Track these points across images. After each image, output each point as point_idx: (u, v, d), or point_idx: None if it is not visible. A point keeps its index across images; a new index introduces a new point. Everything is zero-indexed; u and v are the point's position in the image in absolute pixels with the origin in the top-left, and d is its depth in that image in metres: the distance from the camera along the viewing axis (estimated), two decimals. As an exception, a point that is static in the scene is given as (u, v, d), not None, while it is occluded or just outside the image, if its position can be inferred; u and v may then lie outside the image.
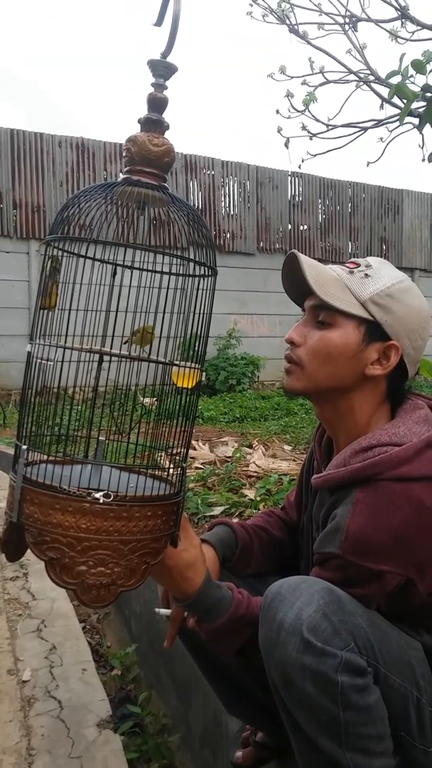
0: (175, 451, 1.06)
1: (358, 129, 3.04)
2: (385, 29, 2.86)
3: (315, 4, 2.95)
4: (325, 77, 3.05)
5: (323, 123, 3.06)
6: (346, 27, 2.95)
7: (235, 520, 1.35)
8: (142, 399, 1.25)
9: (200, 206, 10.06)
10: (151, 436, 1.14)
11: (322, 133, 3.09)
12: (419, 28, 2.77)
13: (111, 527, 0.93)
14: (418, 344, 1.15)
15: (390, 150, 3.03)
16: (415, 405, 1.16)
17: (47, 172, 9.07)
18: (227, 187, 10.52)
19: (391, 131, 2.92)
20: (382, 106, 2.89)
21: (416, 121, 2.60)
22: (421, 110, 2.53)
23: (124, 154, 1.02)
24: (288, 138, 3.15)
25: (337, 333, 1.12)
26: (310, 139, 3.12)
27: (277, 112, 3.12)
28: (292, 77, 3.09)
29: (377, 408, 1.16)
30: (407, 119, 2.56)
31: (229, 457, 3.89)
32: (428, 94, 2.44)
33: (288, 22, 3.02)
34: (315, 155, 3.23)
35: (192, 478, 3.36)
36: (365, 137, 3.05)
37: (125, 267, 1.04)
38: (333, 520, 1.06)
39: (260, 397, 8.98)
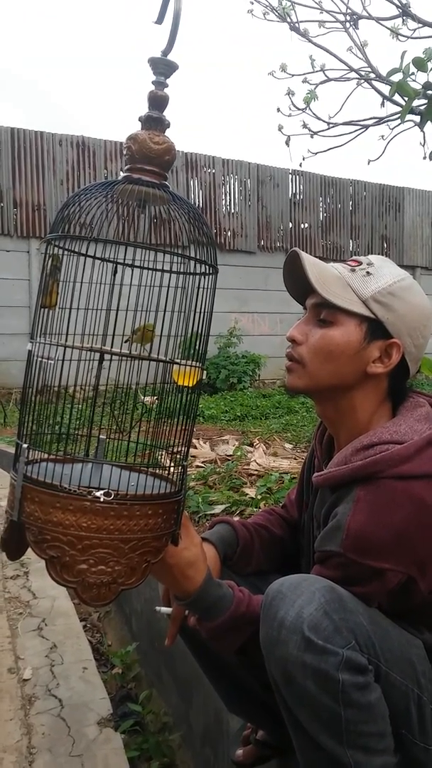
0: (175, 450, 1.06)
1: (359, 127, 3.04)
2: (386, 27, 2.86)
3: (316, 2, 2.95)
4: (326, 75, 3.05)
5: (324, 121, 3.06)
6: (347, 25, 2.95)
7: (236, 519, 1.35)
8: (142, 397, 1.25)
9: (201, 204, 10.06)
10: (151, 435, 1.13)
11: (323, 131, 3.09)
12: (420, 25, 2.76)
13: (112, 526, 0.93)
14: (420, 342, 1.15)
15: (391, 148, 3.03)
16: (417, 403, 1.16)
17: (48, 171, 9.07)
18: (228, 186, 10.51)
19: (392, 129, 2.92)
20: (383, 104, 2.88)
21: (417, 118, 2.60)
22: (422, 108, 2.52)
23: (124, 152, 1.01)
24: (289, 136, 3.15)
25: (338, 331, 1.12)
26: (311, 137, 3.12)
27: (278, 110, 3.12)
28: (293, 75, 3.09)
29: (378, 406, 1.16)
30: (408, 117, 2.56)
31: (230, 455, 3.89)
32: (429, 92, 2.44)
33: (289, 20, 3.01)
34: (316, 153, 3.23)
35: (193, 476, 3.36)
36: (366, 135, 3.05)
37: (126, 265, 1.03)
38: (334, 518, 1.06)
39: (261, 395, 8.98)
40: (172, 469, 1.06)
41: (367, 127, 3.02)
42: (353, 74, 2.97)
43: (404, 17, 2.78)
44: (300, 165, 3.33)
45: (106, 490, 0.93)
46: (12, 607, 2.58)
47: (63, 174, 9.16)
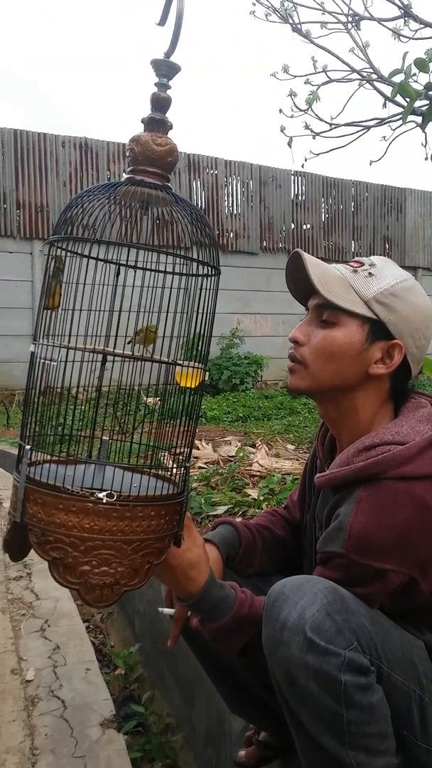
0: (178, 451, 1.06)
1: (361, 128, 3.04)
2: (388, 28, 2.86)
3: (318, 3, 2.95)
4: (328, 76, 3.05)
5: (326, 122, 3.06)
6: (349, 26, 2.95)
7: (239, 520, 1.35)
8: (145, 399, 1.25)
9: (203, 206, 10.06)
10: (154, 436, 1.14)
11: (325, 132, 3.08)
12: (422, 26, 2.76)
13: (114, 527, 0.93)
14: (422, 343, 1.15)
15: (393, 149, 3.03)
16: (419, 404, 1.16)
17: (50, 173, 9.08)
18: (230, 187, 10.52)
19: (394, 130, 2.91)
20: (384, 105, 2.88)
21: (419, 119, 2.60)
22: (424, 109, 2.52)
23: (127, 153, 1.02)
24: (291, 137, 3.15)
25: (340, 332, 1.12)
26: (313, 138, 3.12)
27: (280, 111, 3.12)
28: (295, 76, 3.08)
29: (380, 407, 1.16)
30: (410, 118, 2.56)
31: (233, 456, 3.89)
32: (431, 93, 2.44)
33: (291, 21, 3.01)
34: (318, 154, 3.23)
35: (195, 477, 3.37)
36: (368, 136, 3.05)
37: (129, 267, 1.04)
38: (336, 519, 1.07)
39: (263, 396, 8.98)
40: (174, 470, 1.07)
41: (368, 128, 3.02)
42: (355, 75, 2.97)
43: (406, 18, 2.78)
44: (302, 166, 3.33)
45: (108, 492, 0.93)
46: (15, 609, 2.58)
47: (66, 175, 9.17)
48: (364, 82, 2.95)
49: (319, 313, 1.14)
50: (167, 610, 1.20)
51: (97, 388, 1.14)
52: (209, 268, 1.05)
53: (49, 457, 1.06)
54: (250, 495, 2.97)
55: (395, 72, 2.51)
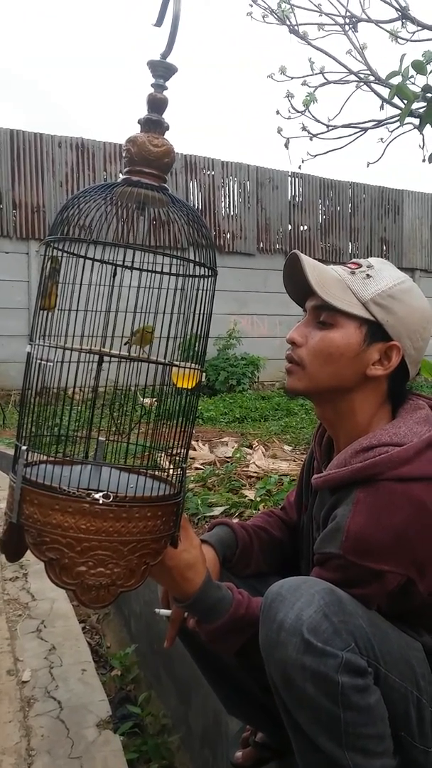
0: (175, 452, 1.06)
1: (358, 129, 3.04)
2: (386, 30, 2.86)
3: (315, 5, 2.95)
4: (325, 78, 3.05)
5: (323, 123, 3.06)
6: (347, 27, 2.95)
7: (235, 521, 1.35)
8: (142, 399, 1.25)
9: (200, 207, 10.06)
10: (150, 437, 1.13)
11: (322, 133, 3.09)
12: (419, 28, 2.77)
13: (111, 528, 0.93)
14: (420, 345, 1.15)
15: (390, 150, 3.04)
16: (416, 405, 1.16)
17: (47, 173, 9.07)
18: (227, 188, 10.52)
19: (392, 132, 2.92)
20: (382, 107, 2.89)
21: (416, 121, 2.60)
22: (421, 111, 2.53)
23: (123, 154, 1.02)
24: (288, 138, 3.15)
25: (338, 333, 1.12)
26: (310, 139, 3.12)
27: (278, 112, 3.12)
28: (292, 78, 3.09)
29: (378, 408, 1.16)
30: (407, 120, 2.56)
31: (229, 457, 3.89)
32: (428, 95, 2.44)
33: (288, 22, 3.02)
34: (315, 156, 3.23)
35: (192, 478, 3.36)
36: (365, 138, 3.06)
37: (125, 267, 1.03)
38: (333, 520, 1.06)
39: (260, 397, 8.97)
40: (171, 471, 1.06)
41: (366, 129, 3.03)
42: (352, 77, 2.97)
43: (403, 20, 2.79)
44: (299, 167, 3.34)
45: (105, 492, 0.93)
46: (11, 609, 2.57)
47: (62, 176, 9.16)
48: (362, 83, 2.96)
49: (317, 314, 1.14)
50: (164, 611, 1.20)
51: (93, 388, 1.14)
52: (206, 269, 1.05)
53: (45, 457, 1.05)
54: (246, 496, 2.97)
55: (393, 74, 2.52)
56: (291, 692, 0.95)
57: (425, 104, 2.47)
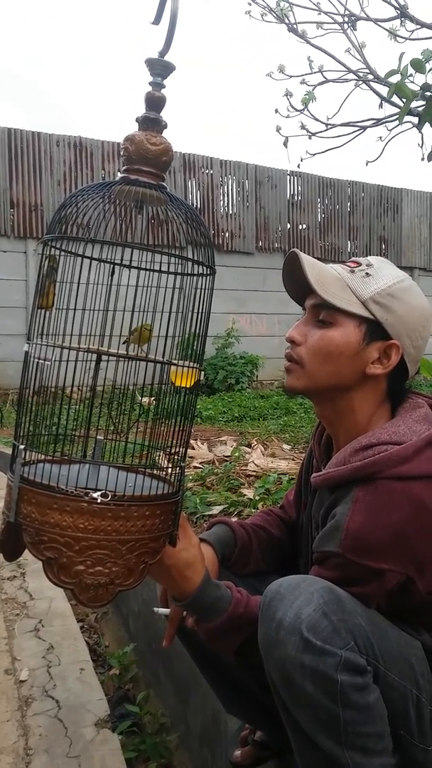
0: (173, 451, 1.06)
1: (357, 128, 3.04)
2: (385, 28, 2.86)
3: (314, 3, 2.95)
4: (324, 76, 3.05)
5: (322, 122, 3.06)
6: (345, 26, 2.95)
7: (234, 520, 1.35)
8: (140, 398, 1.24)
9: (199, 205, 10.05)
10: (149, 436, 1.13)
11: (321, 132, 3.09)
12: (418, 26, 2.77)
13: (109, 527, 0.93)
14: (419, 343, 1.15)
15: (389, 149, 3.05)
16: (416, 404, 1.16)
17: (45, 172, 9.05)
18: (226, 187, 10.51)
19: (391, 130, 2.92)
20: (381, 105, 2.89)
21: (415, 120, 2.60)
22: (420, 109, 2.53)
23: (122, 153, 1.01)
24: (287, 137, 3.15)
25: (337, 332, 1.12)
26: (309, 138, 3.12)
27: (276, 111, 3.12)
28: (291, 76, 3.09)
29: (377, 407, 1.16)
30: (406, 118, 2.56)
31: (228, 456, 3.89)
32: (427, 93, 2.44)
33: (287, 21, 3.01)
34: (314, 154, 3.23)
35: (191, 477, 3.36)
36: (364, 136, 3.06)
37: (123, 266, 1.03)
38: (333, 519, 1.06)
39: (259, 396, 8.97)
40: (169, 469, 1.06)
41: (365, 128, 3.02)
42: (351, 75, 2.97)
43: (402, 18, 2.79)
44: (298, 166, 3.34)
45: (103, 491, 0.93)
46: (9, 608, 2.57)
47: (60, 175, 9.15)
48: (361, 82, 2.96)
49: (316, 313, 1.14)
50: (162, 610, 1.20)
51: (91, 387, 1.13)
52: (204, 268, 1.04)
53: (43, 456, 1.05)
54: (245, 495, 2.97)
55: (392, 72, 2.52)
56: (290, 691, 0.95)
57: (424, 103, 2.47)
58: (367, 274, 1.13)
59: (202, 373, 1.10)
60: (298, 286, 1.16)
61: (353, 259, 1.18)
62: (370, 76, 2.90)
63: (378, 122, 2.95)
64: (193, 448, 4.13)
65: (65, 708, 1.90)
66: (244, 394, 9.12)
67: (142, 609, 2.28)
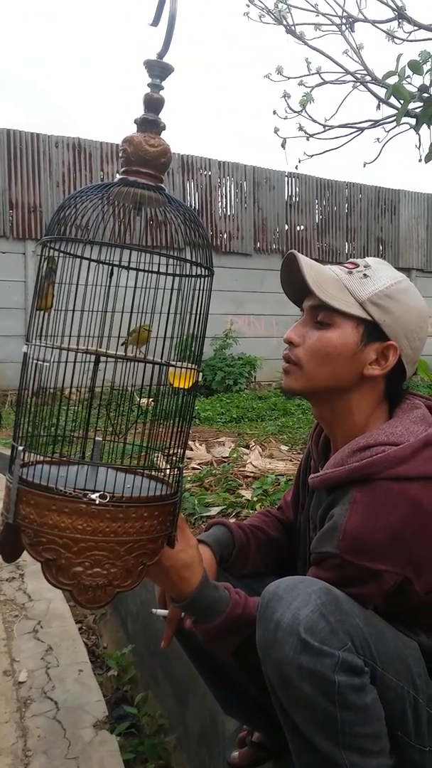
0: (171, 452, 1.06)
1: (354, 129, 3.05)
2: (382, 30, 2.87)
3: (312, 5, 2.95)
4: (321, 78, 3.06)
5: (320, 123, 3.06)
6: (343, 27, 2.96)
7: (232, 521, 1.35)
8: (138, 399, 1.25)
9: (197, 207, 10.05)
10: (147, 437, 1.13)
11: (318, 133, 3.09)
12: (416, 28, 2.77)
13: (107, 528, 0.93)
14: (417, 345, 1.15)
15: (387, 150, 3.04)
16: (413, 405, 1.17)
17: (44, 173, 9.05)
18: (224, 188, 10.51)
19: (388, 132, 2.93)
20: (378, 107, 2.89)
21: (413, 121, 2.61)
22: (417, 111, 2.53)
23: (120, 154, 1.01)
24: (285, 138, 3.15)
25: (335, 333, 1.12)
26: (307, 139, 3.12)
27: (274, 112, 3.12)
28: (289, 78, 3.09)
29: (375, 408, 1.16)
30: (404, 120, 2.57)
31: (226, 457, 3.88)
32: (425, 95, 2.45)
33: (285, 22, 3.02)
34: (312, 156, 3.24)
35: (189, 478, 3.36)
36: (362, 138, 3.06)
37: (122, 267, 1.03)
38: (330, 520, 1.07)
39: (257, 397, 8.97)
40: (168, 471, 1.06)
41: (362, 129, 3.03)
42: (349, 77, 2.98)
43: (400, 20, 2.79)
44: (296, 167, 3.34)
45: (101, 493, 0.93)
46: (7, 610, 2.57)
47: (59, 176, 9.15)
48: (358, 83, 2.96)
49: (314, 314, 1.14)
50: (160, 611, 1.20)
51: (90, 388, 1.14)
52: (203, 269, 1.05)
53: (42, 457, 1.05)
54: (243, 496, 2.97)
55: (389, 74, 2.52)
56: (288, 692, 0.95)
57: (421, 104, 2.48)
58: (364, 275, 1.13)
59: (200, 374, 1.10)
60: (296, 287, 1.16)
61: (351, 260, 1.18)
62: (368, 78, 2.90)
63: (375, 124, 2.95)
64: (192, 449, 4.13)
65: (64, 709, 1.90)
66: (242, 395, 9.11)
67: (141, 610, 2.28)
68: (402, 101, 2.42)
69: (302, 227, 11.20)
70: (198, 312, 1.04)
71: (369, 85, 2.92)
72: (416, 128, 2.61)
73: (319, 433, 1.29)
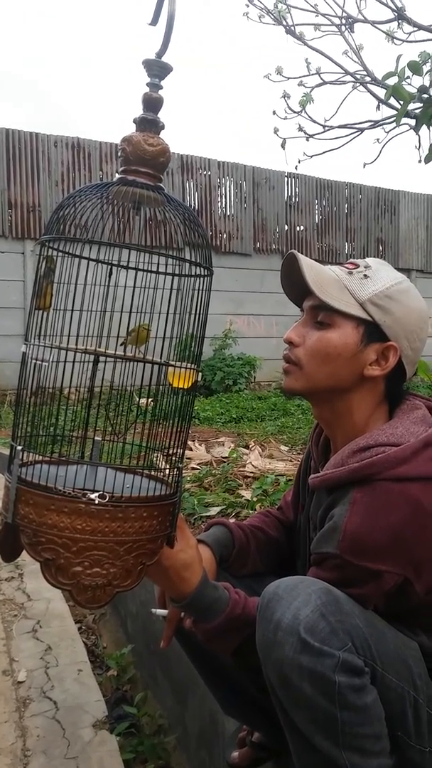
0: (171, 452, 1.06)
1: (354, 130, 3.04)
2: (382, 30, 2.86)
3: (311, 5, 2.95)
4: (321, 78, 3.05)
5: (320, 124, 3.06)
6: (343, 28, 2.95)
7: (232, 521, 1.35)
8: (138, 399, 1.24)
9: (197, 207, 10.05)
10: (147, 437, 1.13)
11: (318, 134, 3.09)
12: (416, 29, 2.77)
13: (106, 528, 0.93)
14: (417, 345, 1.15)
15: (386, 151, 3.04)
16: (413, 405, 1.16)
17: (43, 172, 9.05)
18: (224, 188, 10.51)
19: (388, 132, 2.92)
20: (378, 108, 2.89)
21: (413, 122, 2.61)
22: (417, 111, 2.53)
23: (119, 154, 1.01)
24: (284, 139, 3.15)
25: (335, 333, 1.12)
26: (307, 140, 3.12)
27: (274, 113, 3.12)
28: (288, 78, 3.08)
29: (375, 408, 1.16)
30: (404, 120, 2.57)
31: (226, 457, 3.88)
32: (424, 96, 2.45)
33: (284, 23, 3.02)
34: (311, 156, 3.23)
35: (188, 478, 3.36)
36: (362, 138, 3.06)
37: (121, 267, 1.03)
38: (330, 520, 1.06)
39: (257, 397, 8.97)
40: (167, 471, 1.06)
41: (362, 130, 3.03)
42: (349, 77, 2.97)
43: (400, 21, 2.79)
44: (296, 168, 3.34)
45: (100, 492, 0.93)
46: (7, 609, 2.57)
47: (58, 175, 9.14)
48: (358, 84, 2.96)
49: (314, 314, 1.14)
50: (160, 611, 1.20)
51: (89, 388, 1.13)
52: (202, 269, 1.05)
53: (40, 457, 1.05)
54: (243, 496, 2.97)
55: (389, 75, 2.52)
56: (288, 692, 0.95)
57: (421, 105, 2.48)
58: (365, 275, 1.13)
59: (200, 374, 1.10)
60: (296, 287, 1.16)
61: (351, 260, 1.18)
62: (368, 78, 2.90)
63: (375, 124, 2.95)
64: (191, 450, 4.13)
65: (63, 709, 1.90)
66: (241, 395, 9.11)
67: (140, 610, 2.28)
68: (402, 102, 2.42)
69: (302, 227, 11.20)
70: (197, 312, 1.04)
71: (369, 85, 2.91)
72: (416, 129, 2.61)
73: (320, 434, 1.29)
